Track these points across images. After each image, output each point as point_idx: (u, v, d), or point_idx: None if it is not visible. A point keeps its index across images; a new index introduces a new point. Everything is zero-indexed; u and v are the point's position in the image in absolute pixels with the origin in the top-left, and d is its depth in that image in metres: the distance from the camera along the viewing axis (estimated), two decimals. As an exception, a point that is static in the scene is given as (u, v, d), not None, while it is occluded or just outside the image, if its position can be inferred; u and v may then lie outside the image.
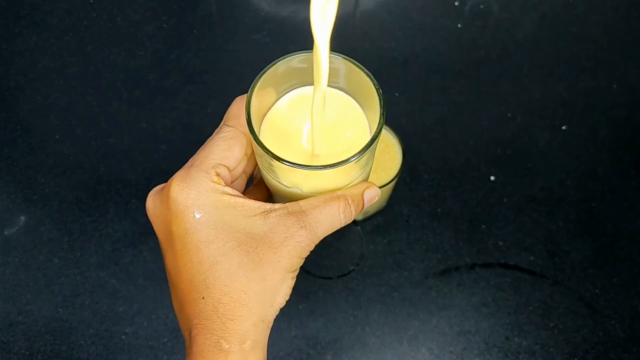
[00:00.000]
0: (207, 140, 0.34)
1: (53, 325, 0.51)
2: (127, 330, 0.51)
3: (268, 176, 0.34)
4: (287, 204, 0.32)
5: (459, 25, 0.65)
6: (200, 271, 0.31)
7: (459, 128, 0.59)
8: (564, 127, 0.59)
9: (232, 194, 0.32)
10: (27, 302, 0.52)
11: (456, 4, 0.67)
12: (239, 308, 0.30)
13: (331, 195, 0.33)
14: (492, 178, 0.57)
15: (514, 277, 0.53)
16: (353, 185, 0.34)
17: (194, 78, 0.62)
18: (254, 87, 0.32)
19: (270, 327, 0.32)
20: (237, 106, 0.34)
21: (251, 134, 0.31)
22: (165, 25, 0.66)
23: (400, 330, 0.51)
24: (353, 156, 0.30)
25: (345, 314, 0.51)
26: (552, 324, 0.51)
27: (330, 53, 0.33)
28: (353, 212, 0.33)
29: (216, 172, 0.32)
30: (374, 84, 0.32)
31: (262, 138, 0.31)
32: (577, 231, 0.55)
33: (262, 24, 0.65)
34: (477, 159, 0.58)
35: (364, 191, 0.34)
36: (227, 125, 0.34)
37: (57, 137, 0.59)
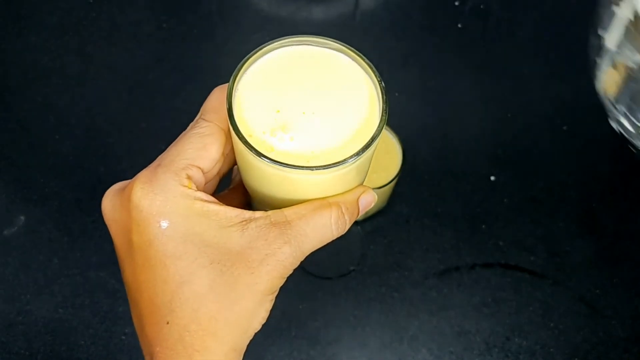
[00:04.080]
0: (180, 136, 0.30)
1: (53, 325, 0.51)
2: (127, 330, 0.51)
3: (249, 177, 0.31)
4: (269, 213, 0.28)
5: (459, 25, 0.65)
6: (165, 291, 0.27)
7: (459, 128, 0.59)
8: (564, 128, 0.59)
9: (205, 200, 0.28)
10: (27, 302, 0.52)
11: (456, 4, 0.67)
12: (207, 338, 0.26)
13: (321, 202, 0.29)
14: (492, 178, 0.57)
15: (515, 277, 0.53)
16: (347, 190, 0.30)
17: (194, 78, 0.62)
18: (236, 76, 0.29)
19: (243, 353, 0.28)
20: (216, 97, 0.30)
21: (232, 128, 0.27)
22: (165, 25, 0.66)
23: (401, 330, 0.51)
24: (350, 157, 0.26)
25: (345, 314, 0.51)
26: (552, 324, 0.51)
27: (336, 41, 0.30)
28: (347, 221, 0.29)
29: (187, 174, 0.28)
30: (375, 75, 0.29)
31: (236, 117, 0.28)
32: (577, 231, 0.54)
33: (262, 24, 0.65)
34: (477, 159, 0.58)
35: (359, 197, 0.30)
36: (203, 119, 0.30)
37: (57, 137, 0.59)
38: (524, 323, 0.51)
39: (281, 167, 0.26)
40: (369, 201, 0.31)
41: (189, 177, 0.28)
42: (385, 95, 0.28)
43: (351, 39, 0.65)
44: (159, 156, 0.30)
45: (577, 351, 0.50)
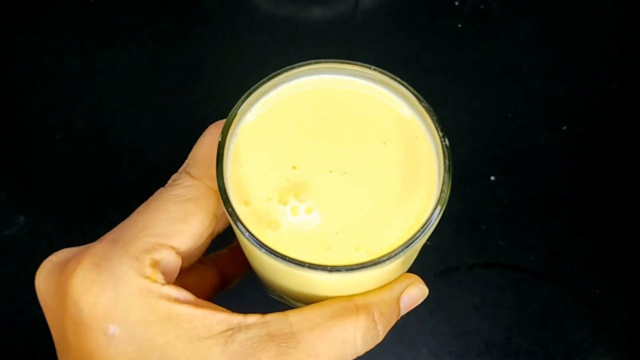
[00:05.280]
0: (155, 194, 0.22)
1: (53, 325, 0.51)
2: (127, 331, 0.51)
3: (248, 258, 0.23)
4: (267, 318, 0.19)
5: (459, 25, 0.65)
6: None
7: (459, 128, 0.59)
8: (564, 128, 0.59)
9: (175, 298, 0.19)
10: (27, 302, 0.52)
11: (456, 3, 0.67)
12: None
13: (344, 305, 0.19)
14: (492, 178, 0.57)
15: (514, 277, 0.53)
16: (384, 285, 0.21)
17: (194, 78, 0.62)
18: (234, 115, 0.20)
19: None
20: (210, 141, 0.21)
21: (219, 191, 0.19)
22: (165, 25, 0.66)
23: (400, 330, 0.51)
24: (390, 255, 0.18)
25: (345, 314, 0.51)
26: (552, 324, 0.51)
27: (391, 77, 0.22)
28: (380, 333, 0.20)
29: (152, 259, 0.20)
30: (435, 126, 0.20)
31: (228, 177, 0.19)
32: (577, 231, 0.54)
33: (262, 24, 0.65)
34: (477, 159, 0.58)
35: (401, 294, 0.21)
36: (188, 174, 0.22)
37: (57, 137, 0.59)
38: (524, 323, 0.51)
39: (283, 262, 0.18)
40: (416, 299, 0.22)
41: (154, 264, 0.20)
42: (449, 160, 0.19)
43: (351, 39, 0.66)
44: (122, 223, 0.22)
45: (577, 351, 0.50)
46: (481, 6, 0.67)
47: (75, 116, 0.60)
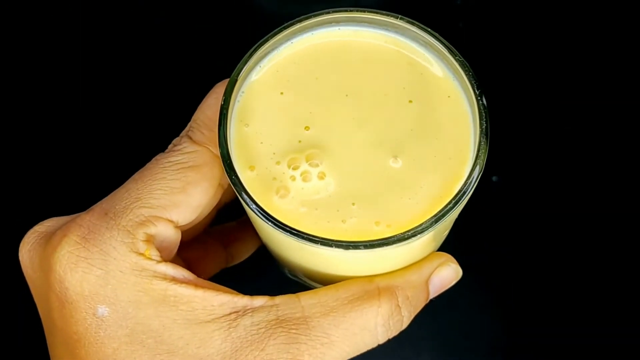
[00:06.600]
0: (151, 161, 0.19)
1: (53, 326, 0.51)
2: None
3: (258, 232, 0.20)
4: (277, 300, 0.17)
5: (460, 25, 0.65)
6: None
7: (460, 128, 0.59)
8: (566, 127, 0.59)
9: (172, 277, 0.17)
10: (27, 302, 0.52)
11: (458, 2, 0.66)
12: None
13: (365, 287, 0.17)
14: (493, 178, 0.56)
15: (516, 278, 0.52)
16: (411, 265, 0.18)
17: (194, 77, 0.62)
18: (240, 70, 0.17)
19: None
20: (215, 102, 0.20)
21: (221, 155, 0.17)
22: (166, 25, 0.65)
23: (401, 332, 0.50)
24: (417, 230, 0.15)
25: (346, 315, 0.51)
26: (554, 325, 0.51)
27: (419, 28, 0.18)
28: (404, 319, 0.19)
29: (146, 234, 0.18)
30: (470, 82, 0.16)
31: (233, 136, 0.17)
32: (578, 232, 0.54)
33: (262, 24, 0.65)
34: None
35: (430, 276, 0.19)
36: (190, 138, 0.20)
37: (57, 136, 0.59)
38: (526, 324, 0.51)
39: (293, 236, 0.16)
40: (448, 281, 0.19)
41: (148, 239, 0.18)
42: (487, 122, 0.16)
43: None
44: (114, 192, 0.19)
45: (578, 352, 0.50)
46: (482, 5, 0.66)
47: (75, 116, 0.60)
